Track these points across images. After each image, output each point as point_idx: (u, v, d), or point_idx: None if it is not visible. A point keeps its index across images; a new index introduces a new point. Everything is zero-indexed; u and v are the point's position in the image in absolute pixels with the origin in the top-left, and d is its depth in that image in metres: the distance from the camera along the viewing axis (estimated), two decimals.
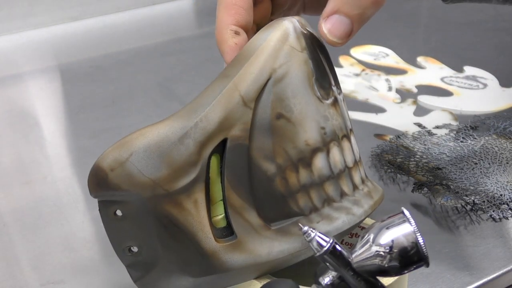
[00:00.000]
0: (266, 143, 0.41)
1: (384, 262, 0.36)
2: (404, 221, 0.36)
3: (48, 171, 0.67)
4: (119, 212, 0.42)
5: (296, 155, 0.41)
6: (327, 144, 0.42)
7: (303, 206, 0.42)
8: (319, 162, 0.42)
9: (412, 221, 0.36)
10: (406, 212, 0.37)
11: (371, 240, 0.37)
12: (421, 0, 1.14)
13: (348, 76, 0.84)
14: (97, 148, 0.71)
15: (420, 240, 0.36)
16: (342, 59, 0.88)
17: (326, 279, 0.38)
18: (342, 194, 0.43)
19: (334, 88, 0.43)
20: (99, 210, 0.42)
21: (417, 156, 0.64)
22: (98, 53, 1.00)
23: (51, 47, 1.03)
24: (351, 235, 0.49)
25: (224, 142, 0.41)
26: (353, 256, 0.37)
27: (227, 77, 0.41)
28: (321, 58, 0.43)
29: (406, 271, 0.36)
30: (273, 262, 0.42)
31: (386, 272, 0.37)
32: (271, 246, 0.42)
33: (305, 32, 0.42)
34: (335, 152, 0.42)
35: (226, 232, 0.42)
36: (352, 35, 0.42)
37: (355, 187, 0.44)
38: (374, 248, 0.36)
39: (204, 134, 0.40)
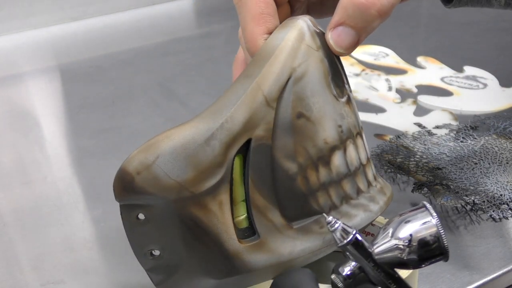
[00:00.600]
0: (287, 142, 0.41)
1: (403, 255, 0.36)
2: (426, 215, 0.37)
3: (48, 171, 0.67)
4: (141, 216, 0.42)
5: (316, 154, 0.41)
6: (344, 142, 0.42)
7: (323, 204, 0.42)
8: (337, 160, 0.42)
9: (434, 214, 0.36)
10: (428, 206, 0.37)
11: (390, 233, 0.37)
12: (421, 0, 1.14)
13: (348, 76, 0.84)
14: (97, 148, 0.71)
15: (442, 234, 0.36)
16: (342, 59, 0.88)
17: (346, 269, 0.38)
18: (359, 191, 0.43)
19: (347, 86, 0.44)
20: (120, 214, 0.42)
21: (417, 156, 0.64)
22: (98, 53, 1.00)
23: (51, 47, 1.03)
24: (366, 233, 0.49)
25: (247, 142, 0.41)
26: (374, 248, 0.37)
27: (249, 77, 0.41)
28: (334, 56, 0.43)
29: (424, 265, 0.37)
30: (294, 261, 0.42)
31: (405, 265, 0.37)
32: (293, 245, 0.42)
33: (318, 30, 0.42)
34: (351, 149, 0.43)
35: (248, 232, 0.42)
36: (358, 45, 0.42)
37: (369, 183, 0.44)
38: (393, 242, 0.36)
39: (230, 135, 0.40)
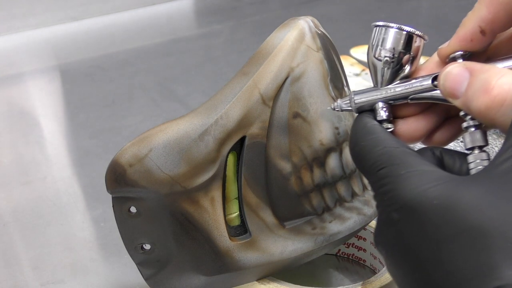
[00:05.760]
0: (282, 141, 0.41)
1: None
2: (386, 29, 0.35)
3: (48, 171, 0.67)
4: (133, 209, 0.42)
5: (311, 155, 0.41)
6: (340, 144, 0.42)
7: (316, 205, 0.42)
8: (332, 162, 0.42)
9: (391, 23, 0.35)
10: (379, 23, 0.36)
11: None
12: (421, 0, 1.14)
13: (348, 76, 0.84)
14: (97, 148, 0.71)
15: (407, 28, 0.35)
16: (342, 59, 0.88)
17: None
18: (353, 194, 0.43)
19: (346, 89, 0.44)
20: (112, 206, 0.42)
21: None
22: (98, 53, 1.00)
23: (51, 47, 1.03)
24: (358, 237, 0.49)
25: (242, 140, 0.41)
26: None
27: (246, 74, 0.41)
28: (334, 58, 0.43)
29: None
30: (286, 261, 0.42)
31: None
32: (285, 245, 0.42)
33: (319, 32, 0.42)
34: (347, 152, 0.43)
35: (240, 230, 0.42)
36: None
37: (364, 187, 0.44)
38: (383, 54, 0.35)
39: (224, 131, 0.40)
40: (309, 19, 0.42)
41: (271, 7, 1.14)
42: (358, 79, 0.84)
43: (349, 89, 0.44)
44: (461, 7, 1.06)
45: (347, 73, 0.85)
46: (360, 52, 0.91)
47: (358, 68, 0.86)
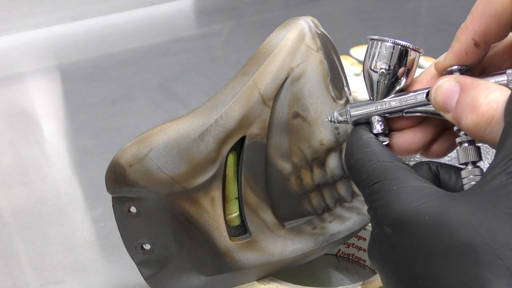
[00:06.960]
0: (282, 142, 0.41)
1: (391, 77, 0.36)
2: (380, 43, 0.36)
3: (48, 171, 0.67)
4: (133, 209, 0.42)
5: (311, 155, 0.41)
6: (340, 144, 0.42)
7: (316, 205, 0.42)
8: (332, 162, 0.42)
9: (386, 38, 0.36)
10: (374, 37, 0.37)
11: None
12: (421, 0, 1.14)
13: (348, 76, 0.84)
14: (97, 148, 0.71)
15: (402, 42, 0.36)
16: (342, 59, 0.88)
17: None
18: (353, 194, 0.43)
19: (346, 89, 0.44)
20: (112, 206, 0.42)
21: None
22: (98, 53, 1.00)
23: (51, 47, 1.03)
24: (358, 237, 0.49)
25: (242, 139, 0.41)
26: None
27: (246, 74, 0.41)
28: (334, 58, 0.43)
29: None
30: (286, 261, 0.42)
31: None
32: (285, 245, 0.42)
33: (319, 32, 0.42)
34: None
35: (240, 230, 0.42)
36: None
37: None
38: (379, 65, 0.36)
39: (224, 131, 0.40)
40: (309, 19, 0.42)
41: (271, 7, 1.14)
42: (358, 79, 0.84)
43: (349, 89, 0.45)
44: (461, 7, 1.06)
45: (347, 73, 0.85)
46: (360, 52, 0.91)
47: (358, 68, 0.86)
